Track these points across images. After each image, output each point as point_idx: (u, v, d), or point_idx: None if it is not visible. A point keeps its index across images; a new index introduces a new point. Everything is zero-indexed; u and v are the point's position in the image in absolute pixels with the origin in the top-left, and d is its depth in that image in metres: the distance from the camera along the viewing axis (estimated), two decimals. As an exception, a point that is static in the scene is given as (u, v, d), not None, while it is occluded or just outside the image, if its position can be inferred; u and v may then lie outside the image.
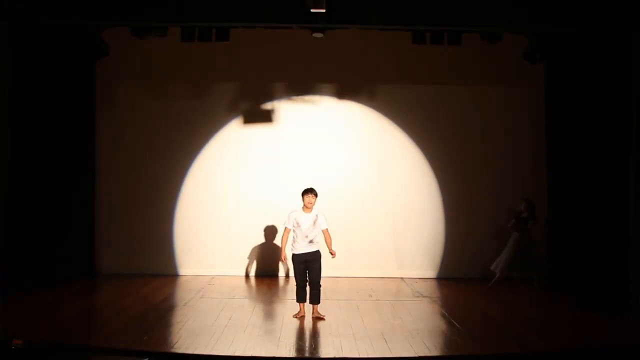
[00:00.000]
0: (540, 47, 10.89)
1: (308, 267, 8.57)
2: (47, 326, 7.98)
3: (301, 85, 12.12)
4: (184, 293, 10.41)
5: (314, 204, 8.55)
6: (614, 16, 8.93)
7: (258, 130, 12.03)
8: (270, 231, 11.95)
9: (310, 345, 7.58)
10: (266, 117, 12.03)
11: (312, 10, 8.59)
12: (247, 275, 11.94)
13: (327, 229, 8.62)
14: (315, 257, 8.57)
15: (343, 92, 12.11)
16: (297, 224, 8.54)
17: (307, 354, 7.15)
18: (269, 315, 9.09)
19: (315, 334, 8.04)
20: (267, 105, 12.07)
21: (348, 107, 12.12)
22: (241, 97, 12.08)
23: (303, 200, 8.54)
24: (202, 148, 12.03)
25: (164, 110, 11.92)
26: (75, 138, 11.34)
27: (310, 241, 8.53)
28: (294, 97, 12.11)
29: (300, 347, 7.35)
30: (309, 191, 8.55)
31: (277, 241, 11.98)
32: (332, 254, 8.62)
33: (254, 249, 12.02)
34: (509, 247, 11.08)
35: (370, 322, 8.52)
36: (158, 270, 11.76)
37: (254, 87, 12.07)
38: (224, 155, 12.04)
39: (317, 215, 8.55)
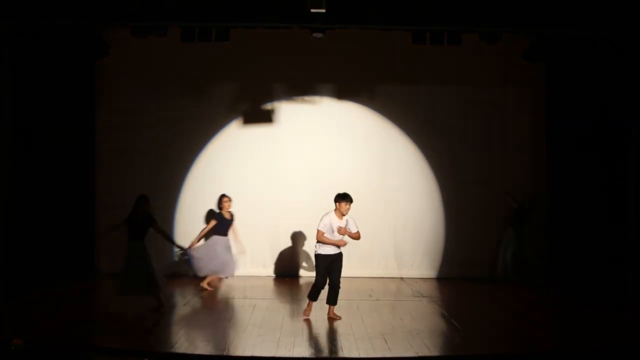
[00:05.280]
0: (540, 47, 10.89)
1: (331, 266, 8.60)
2: (47, 326, 7.98)
3: (301, 85, 12.12)
4: (184, 293, 10.41)
5: (347, 213, 8.57)
6: (614, 17, 8.93)
7: (258, 130, 12.02)
8: (271, 231, 11.94)
9: (311, 345, 7.59)
10: (266, 117, 12.03)
11: (312, 10, 8.60)
12: (248, 276, 11.91)
13: (358, 231, 8.66)
14: (339, 257, 8.68)
15: (343, 92, 12.10)
16: (332, 229, 8.54)
17: (307, 354, 7.15)
18: (269, 315, 9.09)
19: (315, 334, 8.04)
20: (267, 106, 12.06)
21: (348, 107, 12.11)
22: (241, 97, 12.07)
23: (339, 207, 8.51)
24: (203, 148, 12.02)
25: (164, 110, 11.90)
26: (75, 138, 11.33)
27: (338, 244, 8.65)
28: (294, 98, 12.10)
29: (300, 348, 7.35)
30: (343, 199, 8.50)
31: (278, 241, 12.00)
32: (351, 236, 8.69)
33: (254, 249, 11.98)
34: (511, 245, 11.10)
35: (370, 322, 8.53)
36: (158, 270, 11.72)
37: (254, 87, 12.06)
38: (224, 155, 12.02)
39: (347, 221, 8.60)
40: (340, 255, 8.67)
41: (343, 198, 8.50)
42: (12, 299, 9.15)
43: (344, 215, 8.56)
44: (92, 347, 7.29)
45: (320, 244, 8.61)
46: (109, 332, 7.89)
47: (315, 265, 8.76)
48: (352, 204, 8.53)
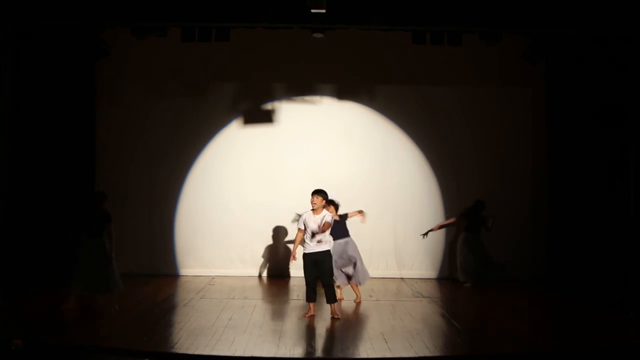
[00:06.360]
0: (540, 47, 10.90)
1: (318, 267, 8.64)
2: (47, 326, 7.98)
3: (301, 85, 12.12)
4: (184, 293, 10.41)
5: (319, 205, 8.60)
6: (614, 17, 8.94)
7: (258, 130, 12.03)
8: (271, 231, 11.94)
9: (311, 345, 7.58)
10: (266, 117, 12.03)
11: (312, 10, 8.61)
12: (248, 276, 11.92)
13: (329, 221, 8.64)
14: (324, 257, 8.67)
15: (343, 92, 12.11)
16: (306, 224, 8.64)
17: (307, 355, 7.15)
18: (270, 315, 9.09)
19: (315, 334, 8.05)
20: (268, 106, 12.07)
21: (348, 107, 12.11)
22: (241, 97, 12.08)
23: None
24: (203, 148, 12.03)
25: (164, 111, 11.91)
26: (75, 138, 11.33)
27: (319, 241, 8.61)
28: (294, 97, 12.11)
29: (300, 348, 7.35)
30: (313, 193, 8.67)
31: (278, 241, 12.01)
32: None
33: (254, 249, 12.01)
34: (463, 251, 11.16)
35: (370, 322, 8.53)
36: (158, 270, 11.77)
37: (254, 87, 12.07)
38: (224, 156, 12.03)
39: (324, 217, 8.63)
40: (325, 254, 8.67)
41: (312, 193, 8.66)
42: (12, 299, 9.15)
43: (317, 211, 8.61)
44: (92, 347, 7.29)
45: (305, 243, 8.67)
46: (109, 332, 7.88)
47: (303, 265, 8.77)
48: (319, 197, 8.58)
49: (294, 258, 8.85)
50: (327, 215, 8.64)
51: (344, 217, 9.86)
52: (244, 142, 12.02)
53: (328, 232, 8.70)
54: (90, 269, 8.78)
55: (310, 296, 8.71)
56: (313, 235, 8.57)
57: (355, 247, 9.84)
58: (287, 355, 7.03)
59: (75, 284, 8.80)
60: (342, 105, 12.11)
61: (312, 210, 8.65)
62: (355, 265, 9.71)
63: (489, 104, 12.06)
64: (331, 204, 9.63)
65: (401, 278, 11.91)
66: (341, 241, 9.73)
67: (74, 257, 8.90)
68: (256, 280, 11.71)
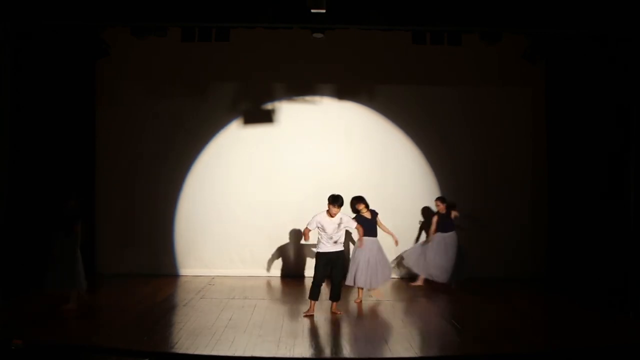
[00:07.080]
0: (540, 47, 10.90)
1: (332, 266, 8.80)
2: (47, 326, 7.98)
3: (301, 85, 12.11)
4: (184, 293, 10.42)
5: (335, 213, 8.74)
6: (614, 17, 8.94)
7: (258, 130, 12.03)
8: (271, 231, 11.93)
9: (311, 345, 7.59)
10: (267, 117, 12.03)
11: (312, 11, 8.61)
12: (248, 276, 11.91)
13: (357, 225, 9.09)
14: (339, 256, 8.86)
15: (343, 92, 12.10)
16: (322, 227, 8.75)
17: (307, 355, 7.15)
18: (270, 315, 9.08)
19: (315, 334, 8.05)
20: (268, 106, 12.06)
21: (348, 107, 12.10)
22: (241, 97, 12.07)
23: (329, 208, 8.75)
24: (203, 148, 12.02)
25: (164, 111, 11.90)
26: (75, 138, 11.32)
27: (335, 242, 8.78)
28: (295, 98, 12.10)
29: (300, 348, 7.35)
30: (333, 202, 8.71)
31: (278, 242, 12.01)
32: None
33: (254, 249, 12.00)
34: (450, 251, 11.04)
35: (370, 322, 8.53)
36: (158, 270, 11.76)
37: (254, 87, 12.06)
38: (224, 156, 12.02)
39: (341, 218, 8.80)
40: (340, 254, 8.85)
41: (333, 201, 8.73)
42: (12, 299, 9.15)
43: (334, 216, 8.76)
44: (92, 347, 7.29)
45: (320, 243, 8.79)
46: (109, 332, 7.88)
47: (315, 263, 8.85)
48: (342, 207, 8.75)
49: (307, 237, 8.83)
50: (345, 217, 8.84)
51: (375, 214, 9.99)
52: (244, 142, 12.01)
53: (343, 233, 8.86)
54: (60, 266, 8.86)
55: (315, 294, 8.77)
56: (330, 237, 8.73)
57: (381, 249, 10.00)
58: (287, 355, 7.03)
59: (46, 283, 8.88)
60: (342, 105, 12.11)
61: (327, 212, 8.74)
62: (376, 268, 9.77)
63: (489, 104, 12.05)
64: (360, 201, 9.89)
65: (401, 278, 11.91)
66: (369, 239, 9.73)
67: (50, 257, 8.95)
68: (256, 280, 11.68)
